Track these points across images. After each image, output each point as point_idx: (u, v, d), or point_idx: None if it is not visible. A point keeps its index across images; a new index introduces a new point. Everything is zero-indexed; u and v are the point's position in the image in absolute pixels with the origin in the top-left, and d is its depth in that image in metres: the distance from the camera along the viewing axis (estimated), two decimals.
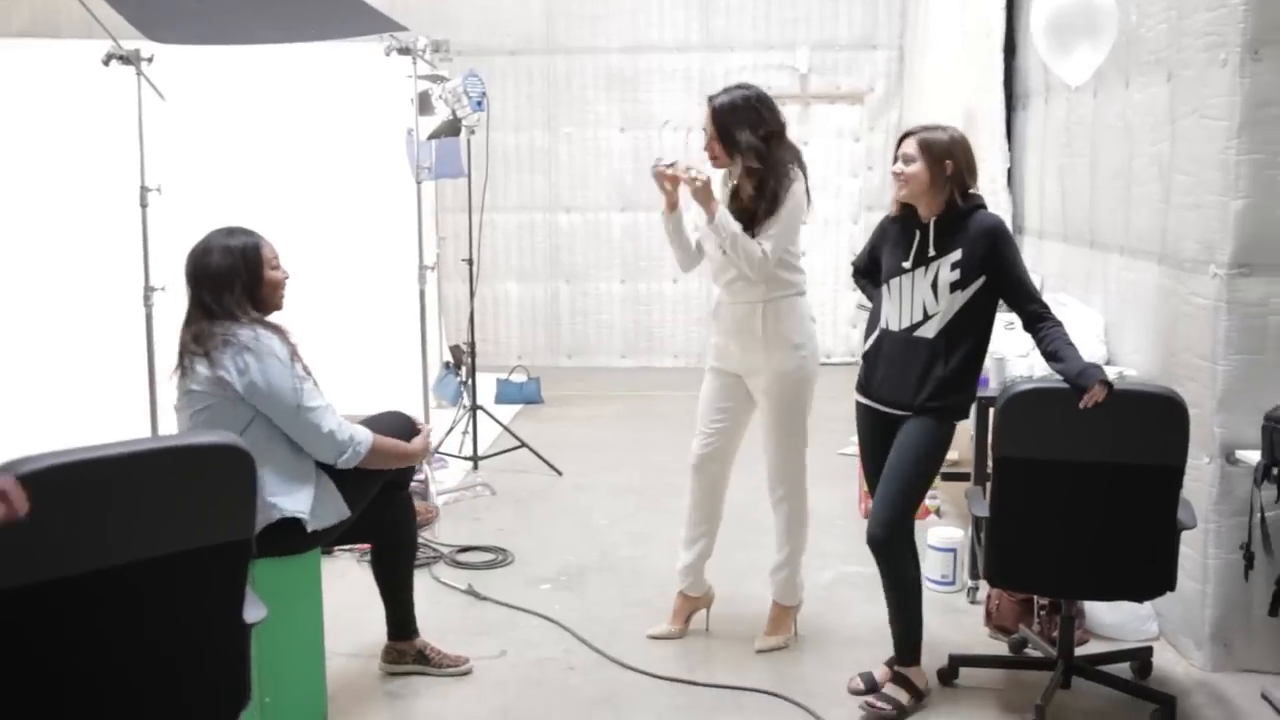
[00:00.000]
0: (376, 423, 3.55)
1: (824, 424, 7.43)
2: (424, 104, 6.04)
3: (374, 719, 3.63)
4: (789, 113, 9.86)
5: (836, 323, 9.92)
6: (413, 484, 4.00)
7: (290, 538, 3.33)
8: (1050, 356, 3.39)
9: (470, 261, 6.47)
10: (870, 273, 3.85)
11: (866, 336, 3.75)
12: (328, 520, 3.39)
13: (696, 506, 4.37)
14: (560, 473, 6.39)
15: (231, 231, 3.40)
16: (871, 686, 3.74)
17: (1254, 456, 3.58)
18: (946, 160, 3.46)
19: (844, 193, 9.83)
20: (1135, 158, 4.50)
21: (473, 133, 6.24)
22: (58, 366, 6.48)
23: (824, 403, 8.13)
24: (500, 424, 6.85)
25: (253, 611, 2.62)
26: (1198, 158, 3.89)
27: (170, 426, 3.59)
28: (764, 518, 5.02)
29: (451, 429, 6.56)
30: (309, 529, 3.34)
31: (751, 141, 3.78)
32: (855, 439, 6.55)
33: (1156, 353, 4.25)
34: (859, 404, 3.77)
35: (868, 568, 4.93)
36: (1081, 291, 5.11)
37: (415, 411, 5.93)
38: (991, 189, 6.24)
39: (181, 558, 2.39)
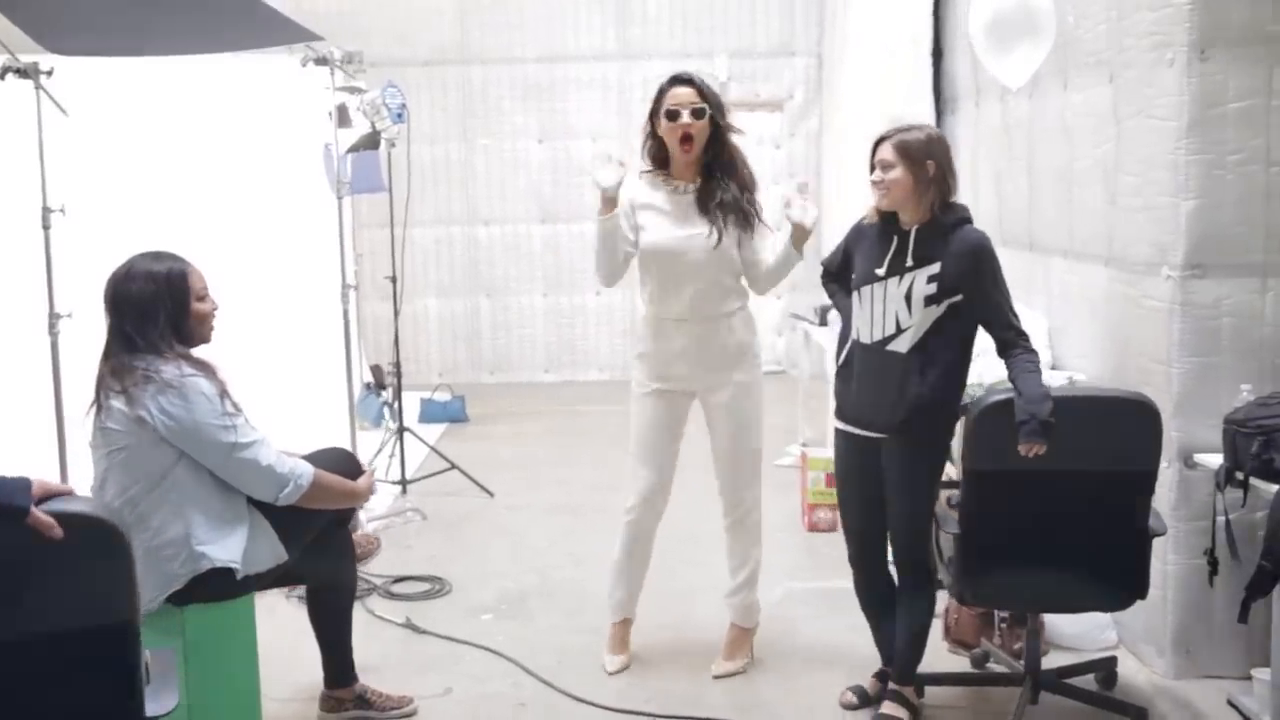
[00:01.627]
0: (317, 459, 3.32)
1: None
2: (342, 117, 5.82)
3: None
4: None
5: (764, 330, 9.79)
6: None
7: (221, 583, 3.10)
8: (1013, 385, 3.27)
9: (394, 279, 6.24)
10: (841, 277, 3.70)
11: (839, 351, 3.57)
12: (262, 565, 3.17)
13: (631, 555, 4.11)
14: (491, 494, 6.19)
15: (157, 256, 3.15)
16: (864, 700, 3.62)
17: (1212, 460, 3.53)
18: (928, 161, 3.30)
19: (766, 200, 9.72)
20: (1077, 160, 4.46)
21: (393, 145, 6.03)
22: None
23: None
24: (428, 445, 6.62)
25: (158, 702, 2.29)
26: (1145, 159, 3.84)
27: (83, 464, 3.33)
28: (703, 533, 4.89)
29: (379, 451, 6.32)
30: (238, 576, 3.11)
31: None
32: (793, 449, 6.51)
33: (1106, 357, 4.20)
34: (837, 430, 3.58)
35: (816, 582, 4.86)
36: (1023, 294, 5.05)
37: (341, 435, 5.70)
38: None
39: (44, 642, 2.08)
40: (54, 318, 4.61)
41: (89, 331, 4.49)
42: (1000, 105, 5.38)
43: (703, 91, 3.66)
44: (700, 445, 4.15)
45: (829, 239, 9.02)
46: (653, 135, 3.74)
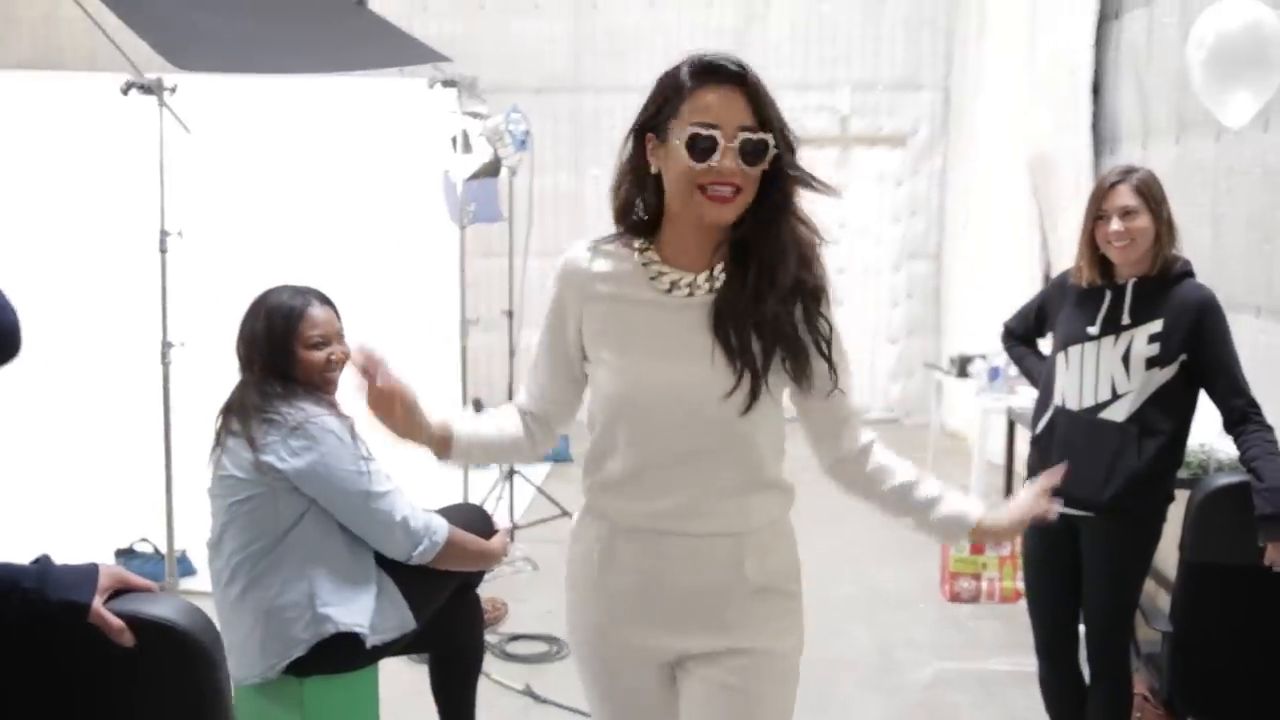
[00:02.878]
0: (449, 515, 3.01)
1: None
2: (464, 142, 5.56)
3: None
4: (827, 156, 9.55)
5: (875, 376, 9.42)
6: None
7: (344, 653, 2.81)
8: (1247, 467, 2.85)
9: (510, 313, 5.96)
10: (1028, 337, 3.31)
11: (1036, 417, 3.17)
12: (389, 633, 2.86)
13: None
14: None
15: (296, 291, 2.89)
16: None
17: None
18: (1163, 205, 2.92)
19: (885, 239, 9.36)
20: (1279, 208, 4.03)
21: (514, 173, 5.77)
22: (70, 428, 5.95)
23: None
24: (535, 487, 6.31)
25: None
26: None
27: (198, 506, 3.05)
28: None
29: (489, 494, 6.03)
30: (368, 644, 2.81)
31: None
32: None
33: None
34: None
35: (970, 663, 4.45)
36: None
37: (453, 476, 5.41)
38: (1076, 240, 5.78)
39: None
40: (166, 346, 4.39)
41: (203, 361, 4.27)
42: (1177, 147, 4.96)
43: (761, 101, 1.85)
44: None
45: (956, 288, 8.64)
46: (636, 177, 1.94)
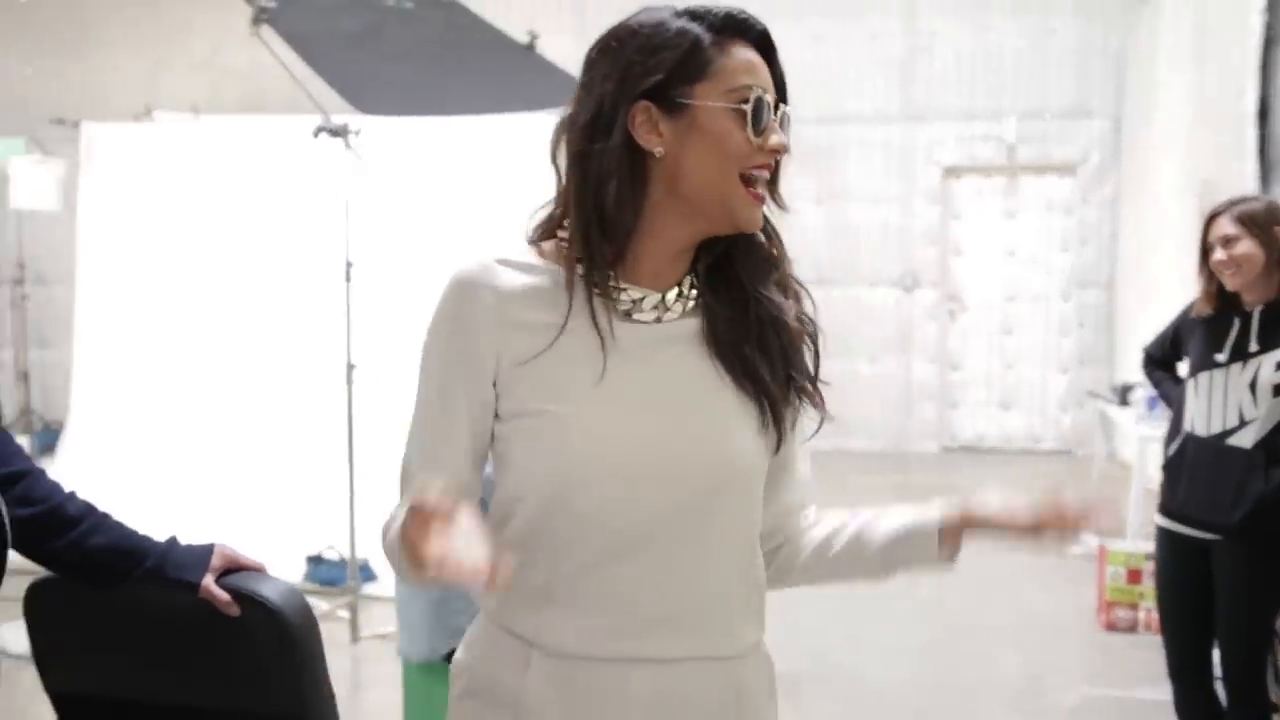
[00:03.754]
0: None
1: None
2: None
3: None
4: (994, 185, 9.51)
5: (1046, 406, 9.31)
6: None
7: None
8: None
9: None
10: (1166, 362, 3.37)
11: (1168, 442, 3.21)
12: None
13: None
14: None
15: None
16: None
17: None
18: (1276, 230, 2.96)
19: (1054, 268, 9.26)
20: None
21: (783, 209, 6.00)
22: (265, 443, 6.43)
23: (1040, 494, 7.63)
24: None
25: None
26: None
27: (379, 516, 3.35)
28: None
29: None
30: None
31: None
32: (1087, 539, 6.04)
33: None
34: (1159, 529, 3.22)
35: (1117, 690, 4.43)
36: None
37: None
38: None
39: (212, 716, 1.96)
40: (350, 368, 4.76)
41: (381, 382, 4.64)
42: None
43: (780, 70, 1.47)
44: None
45: (1129, 317, 8.48)
46: (631, 165, 1.37)
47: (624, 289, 1.40)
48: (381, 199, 5.86)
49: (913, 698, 4.30)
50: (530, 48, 5.77)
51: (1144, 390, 5.63)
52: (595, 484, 1.35)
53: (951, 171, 9.31)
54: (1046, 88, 9.11)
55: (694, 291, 1.44)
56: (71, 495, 1.75)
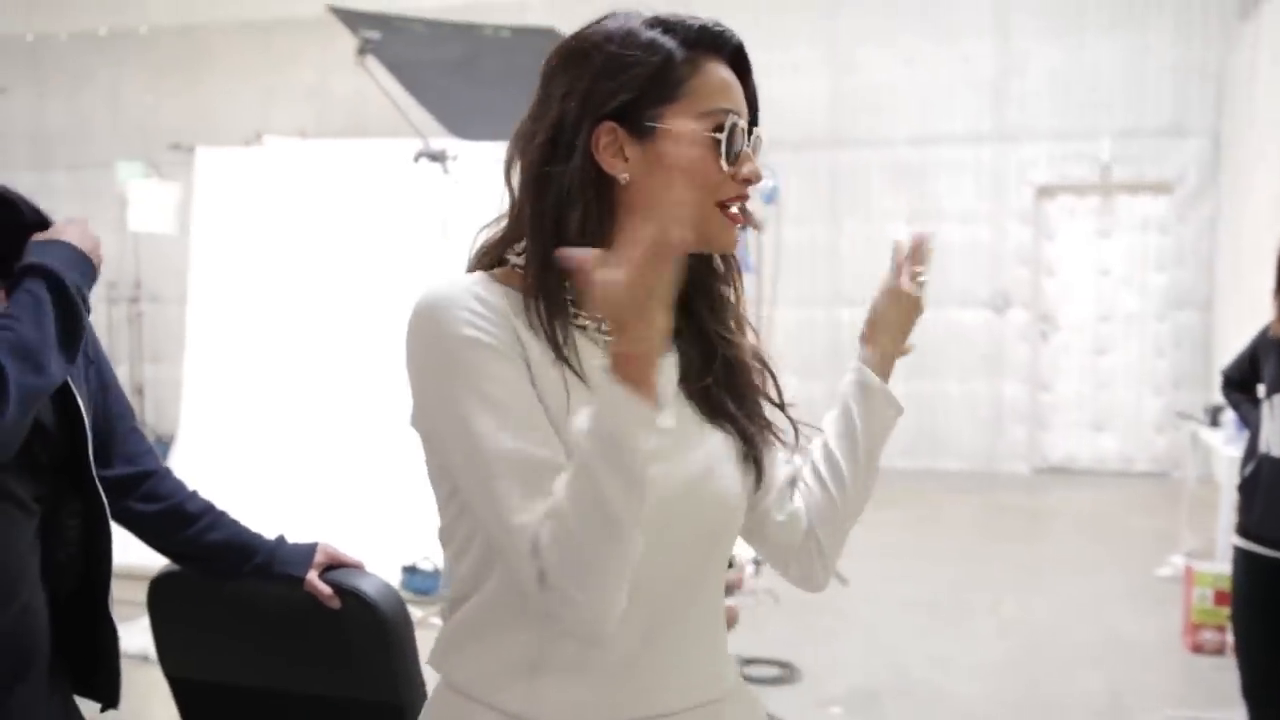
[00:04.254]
0: None
1: (1133, 540, 6.89)
2: None
3: None
4: (1087, 204, 9.44)
5: (1141, 428, 9.20)
6: None
7: None
8: None
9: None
10: (1245, 384, 3.39)
11: (1244, 462, 3.25)
12: None
13: None
14: (846, 581, 6.05)
15: None
16: None
17: None
18: None
19: (1149, 288, 9.16)
20: None
21: (760, 229, 6.11)
22: (364, 459, 6.66)
23: (1131, 516, 7.58)
24: None
25: None
26: None
27: None
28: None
29: None
30: None
31: None
32: (1175, 560, 6.01)
33: None
34: (1236, 549, 3.25)
35: (1201, 713, 4.41)
36: None
37: None
38: None
39: (311, 701, 2.10)
40: None
41: None
42: None
43: (753, 87, 1.36)
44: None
45: (1226, 339, 8.35)
46: (595, 188, 1.26)
47: (586, 323, 1.27)
48: (478, 220, 6.08)
49: (994, 714, 4.33)
50: None
51: (1233, 412, 5.60)
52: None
53: (1044, 191, 9.28)
54: (1143, 106, 9.04)
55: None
56: (193, 494, 1.92)
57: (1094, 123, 9.07)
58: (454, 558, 1.31)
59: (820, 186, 9.51)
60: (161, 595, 2.10)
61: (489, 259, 1.32)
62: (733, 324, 1.40)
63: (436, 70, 5.32)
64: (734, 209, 1.28)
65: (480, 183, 5.24)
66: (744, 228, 1.32)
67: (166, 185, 8.72)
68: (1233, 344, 8.24)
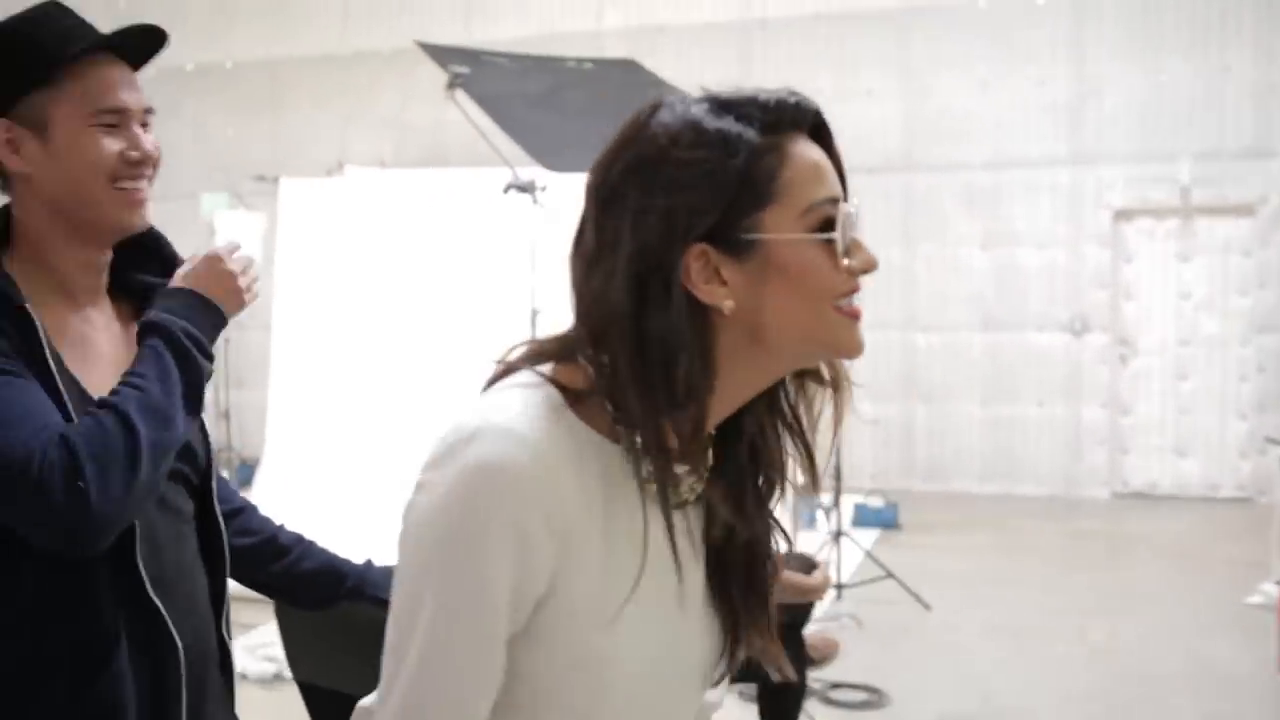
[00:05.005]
0: None
1: (1220, 567, 6.79)
2: None
3: None
4: (1166, 227, 9.35)
5: (1225, 453, 9.07)
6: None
7: None
8: None
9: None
10: None
11: None
12: None
13: None
14: (929, 606, 6.05)
15: None
16: None
17: None
18: None
19: (1230, 311, 9.04)
20: None
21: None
22: None
23: (1217, 542, 7.48)
24: (864, 550, 6.59)
25: None
26: None
27: None
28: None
29: (817, 553, 6.36)
30: None
31: None
32: (1267, 588, 5.92)
33: None
34: None
35: None
36: None
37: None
38: None
39: None
40: None
41: None
42: None
43: (838, 156, 1.15)
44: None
45: None
46: (694, 329, 1.06)
47: (680, 480, 1.10)
48: (564, 249, 6.17)
49: None
50: None
51: None
52: (618, 694, 1.10)
53: (1122, 214, 9.21)
54: (1223, 127, 8.95)
55: (710, 462, 1.15)
56: (282, 527, 1.97)
57: (1173, 145, 8.99)
58: None
59: (894, 210, 9.51)
60: (285, 608, 2.20)
61: (550, 357, 1.11)
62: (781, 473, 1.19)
63: (523, 102, 5.44)
64: (850, 302, 1.09)
65: (568, 213, 5.35)
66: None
67: (252, 215, 8.94)
68: None
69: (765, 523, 1.19)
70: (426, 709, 1.04)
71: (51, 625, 1.51)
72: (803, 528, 7.39)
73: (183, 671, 1.59)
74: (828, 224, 1.06)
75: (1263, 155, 8.87)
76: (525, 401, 1.06)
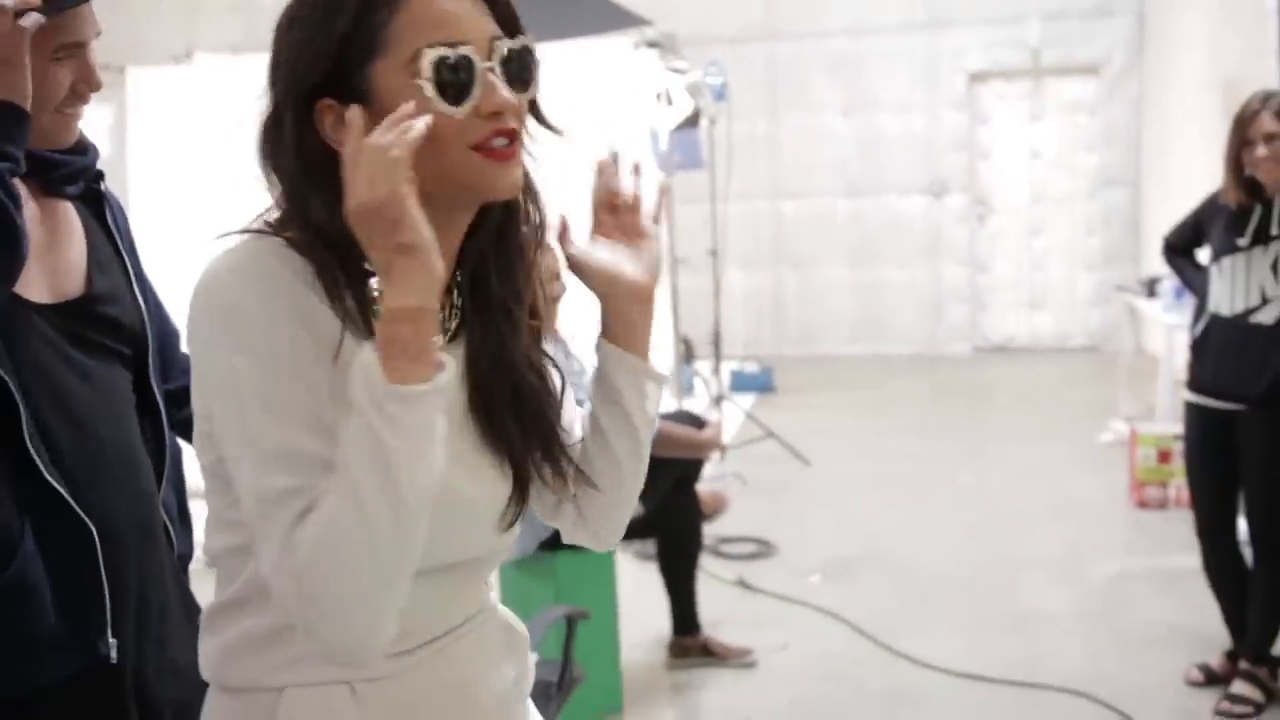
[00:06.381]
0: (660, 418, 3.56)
1: (1073, 410, 7.23)
2: (667, 97, 6.06)
3: (666, 708, 3.67)
4: (1018, 89, 9.64)
5: (1075, 304, 9.55)
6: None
7: None
8: None
9: (714, 252, 6.47)
10: (1186, 250, 3.62)
11: (1194, 323, 3.49)
12: None
13: None
14: (808, 462, 6.32)
15: None
16: (1211, 678, 3.55)
17: None
18: None
19: (1079, 169, 9.43)
20: None
21: (713, 123, 6.23)
22: None
23: (1071, 388, 7.93)
24: (746, 413, 6.82)
25: None
26: None
27: None
28: (1029, 511, 4.85)
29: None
30: None
31: None
32: (1116, 425, 6.33)
33: None
34: (1187, 404, 3.50)
35: (1153, 559, 4.74)
36: None
37: (667, 403, 5.97)
38: None
39: None
40: None
41: None
42: None
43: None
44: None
45: (1157, 214, 8.65)
46: (309, 173, 1.12)
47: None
48: None
49: (962, 575, 4.62)
50: None
51: (1170, 281, 5.88)
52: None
53: (977, 77, 9.46)
54: None
55: (459, 300, 1.19)
56: None
57: (1022, 7, 9.23)
58: (235, 553, 1.16)
59: (758, 80, 9.60)
60: None
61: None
62: (526, 292, 1.23)
63: None
64: (497, 144, 1.09)
65: None
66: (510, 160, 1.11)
67: (100, 108, 8.57)
68: (1160, 219, 8.56)
69: (527, 360, 1.22)
70: (263, 431, 1.05)
71: None
72: (683, 394, 7.60)
73: (99, 553, 1.58)
74: (450, 67, 1.06)
75: (1107, 14, 9.17)
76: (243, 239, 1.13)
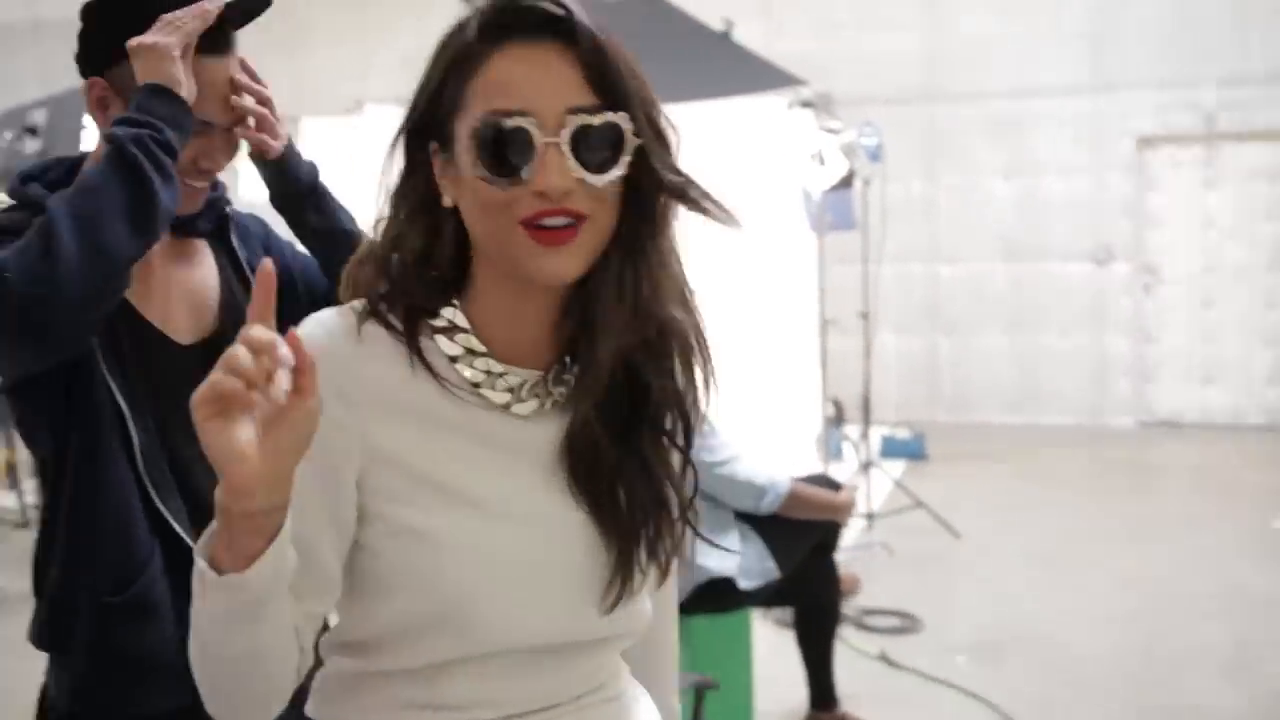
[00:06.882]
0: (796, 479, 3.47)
1: (1247, 493, 6.82)
2: (821, 157, 6.00)
3: None
4: (1191, 154, 9.26)
5: (1251, 380, 9.06)
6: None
7: (721, 596, 3.30)
8: None
9: (865, 315, 6.34)
10: None
11: None
12: (757, 579, 3.35)
13: None
14: (958, 534, 6.10)
15: None
16: None
17: None
18: None
19: (1257, 239, 8.98)
20: None
21: (867, 184, 6.14)
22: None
23: (1245, 469, 7.51)
24: (895, 481, 6.64)
25: None
26: None
27: None
28: None
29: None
30: (740, 587, 3.29)
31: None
32: None
33: None
34: None
35: None
36: None
37: (808, 468, 5.84)
38: None
39: None
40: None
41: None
42: None
43: (605, 60, 1.07)
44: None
45: None
46: (425, 215, 1.14)
47: (500, 371, 1.12)
48: None
49: (1118, 665, 4.36)
50: (726, 35, 5.99)
51: None
52: (464, 617, 1.10)
53: (1145, 142, 9.13)
54: (1248, 51, 8.83)
55: (574, 372, 1.14)
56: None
57: (1196, 71, 8.89)
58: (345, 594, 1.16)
59: (916, 142, 9.44)
60: None
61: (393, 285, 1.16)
62: (669, 362, 1.17)
63: None
64: (548, 223, 1.03)
65: None
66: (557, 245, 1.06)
67: None
68: None
69: (652, 451, 1.18)
70: None
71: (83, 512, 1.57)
72: (831, 459, 7.45)
73: None
74: (499, 138, 1.02)
75: None
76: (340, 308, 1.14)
